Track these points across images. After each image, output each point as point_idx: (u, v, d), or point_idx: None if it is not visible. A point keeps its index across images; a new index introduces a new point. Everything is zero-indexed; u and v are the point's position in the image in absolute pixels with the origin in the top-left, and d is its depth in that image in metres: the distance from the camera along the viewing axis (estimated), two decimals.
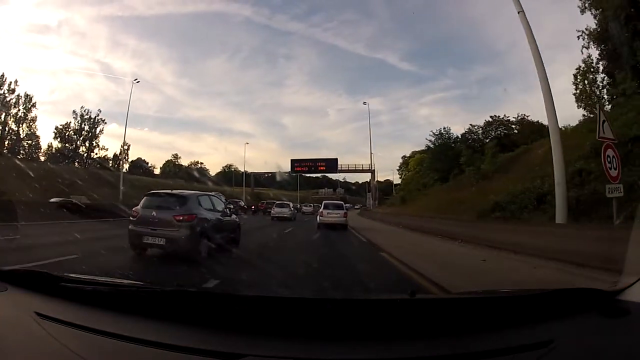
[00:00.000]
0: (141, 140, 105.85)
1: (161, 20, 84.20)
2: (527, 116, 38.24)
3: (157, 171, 67.71)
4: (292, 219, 23.33)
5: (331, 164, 53.28)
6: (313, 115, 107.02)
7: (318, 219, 16.64)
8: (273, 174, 60.47)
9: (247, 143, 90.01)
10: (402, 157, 61.36)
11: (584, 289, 1.33)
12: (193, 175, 59.89)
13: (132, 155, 65.22)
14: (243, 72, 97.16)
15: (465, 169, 30.41)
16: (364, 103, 47.66)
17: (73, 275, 1.51)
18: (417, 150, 55.95)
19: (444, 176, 37.15)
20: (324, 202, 18.58)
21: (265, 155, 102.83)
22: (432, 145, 41.55)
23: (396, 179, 66.10)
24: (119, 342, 1.10)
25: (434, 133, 41.71)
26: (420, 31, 79.99)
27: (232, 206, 10.81)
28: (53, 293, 1.39)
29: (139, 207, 6.81)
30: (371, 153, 52.05)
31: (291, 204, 26.76)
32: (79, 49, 75.20)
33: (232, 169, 57.91)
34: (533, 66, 11.22)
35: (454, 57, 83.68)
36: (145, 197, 7.09)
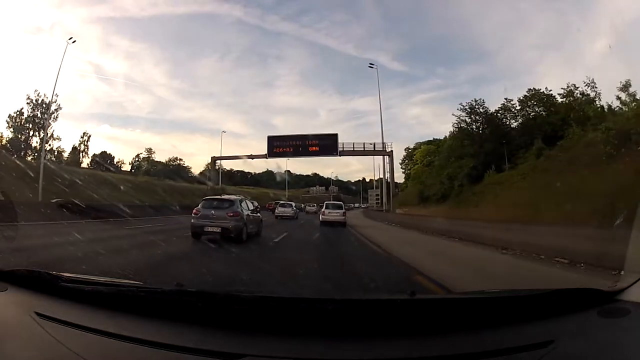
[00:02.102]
0: (134, 141, 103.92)
1: (153, 22, 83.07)
2: (577, 87, 27.24)
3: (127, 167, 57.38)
4: (295, 217, 24.34)
5: (328, 143, 36.89)
6: (304, 115, 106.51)
7: (320, 217, 18.44)
8: (263, 174, 56.57)
9: (225, 132, 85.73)
10: (405, 150, 54.61)
11: (584, 289, 1.33)
12: (170, 172, 50.54)
13: (125, 157, 58.92)
14: (234, 72, 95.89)
15: (595, 133, 18.59)
16: (370, 65, 36.59)
17: (73, 275, 1.51)
18: (421, 141, 50.65)
19: (489, 160, 27.89)
20: (325, 202, 21.14)
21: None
22: (464, 123, 31.60)
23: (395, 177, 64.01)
24: (119, 342, 1.10)
25: (463, 106, 31.58)
26: (410, 31, 78.79)
27: (258, 206, 13.81)
28: (53, 293, 1.39)
29: (199, 207, 9.86)
30: (382, 128, 43.05)
31: (293, 204, 27.76)
32: (71, 49, 74.22)
33: (218, 168, 49.62)
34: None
35: (444, 57, 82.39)
36: (203, 201, 10.30)
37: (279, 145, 37.58)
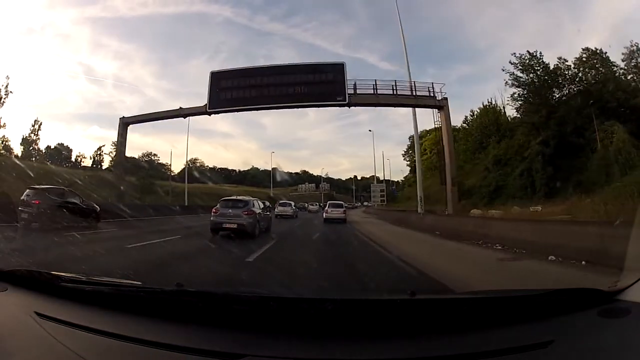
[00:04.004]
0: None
1: (142, 22, 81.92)
2: None
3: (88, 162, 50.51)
4: (295, 216, 25.03)
5: (328, 80, 20.53)
6: (292, 115, 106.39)
7: (324, 215, 21.71)
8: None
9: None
10: (409, 138, 49.72)
11: (583, 289, 1.33)
12: (141, 169, 43.87)
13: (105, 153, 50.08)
14: None
15: None
16: None
17: (73, 275, 1.51)
18: (427, 129, 44.83)
19: (564, 131, 20.67)
20: (328, 202, 25.01)
21: (245, 156, 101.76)
22: (523, 81, 23.65)
23: (392, 174, 59.63)
24: (119, 342, 1.10)
25: (518, 58, 22.98)
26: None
27: (269, 206, 15.65)
28: (53, 293, 1.39)
29: (218, 206, 10.99)
30: (408, 67, 22.42)
31: (293, 203, 28.41)
32: (61, 50, 73.16)
33: (199, 164, 44.36)
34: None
35: (434, 57, 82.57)
36: (221, 201, 11.40)
37: (231, 87, 20.09)
